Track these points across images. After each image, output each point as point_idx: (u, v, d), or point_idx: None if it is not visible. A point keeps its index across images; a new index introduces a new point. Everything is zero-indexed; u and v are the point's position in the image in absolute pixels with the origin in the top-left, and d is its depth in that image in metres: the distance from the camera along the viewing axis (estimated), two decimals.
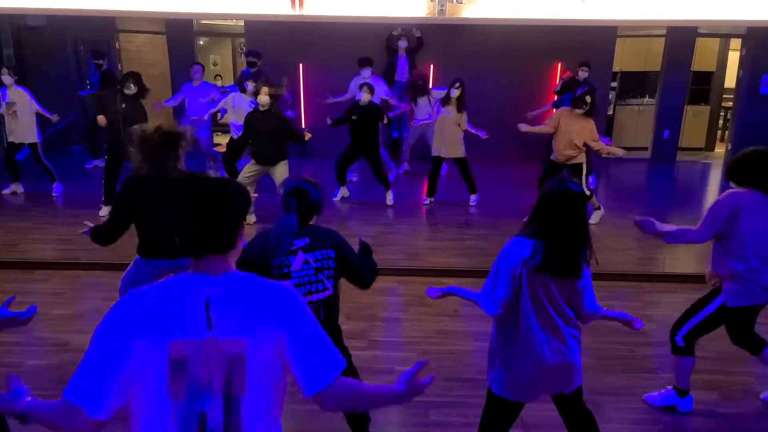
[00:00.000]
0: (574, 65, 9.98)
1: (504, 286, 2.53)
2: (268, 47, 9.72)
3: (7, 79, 7.60)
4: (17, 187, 8.05)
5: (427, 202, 7.81)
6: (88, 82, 7.66)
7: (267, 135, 6.47)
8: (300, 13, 7.94)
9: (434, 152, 7.71)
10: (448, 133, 7.51)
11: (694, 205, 7.65)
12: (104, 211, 7.02)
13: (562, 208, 2.49)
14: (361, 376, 4.07)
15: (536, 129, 6.98)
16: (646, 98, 11.44)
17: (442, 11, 7.94)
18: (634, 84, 11.45)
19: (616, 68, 10.88)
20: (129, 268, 3.61)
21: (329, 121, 7.57)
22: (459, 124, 7.51)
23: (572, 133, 6.43)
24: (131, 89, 6.78)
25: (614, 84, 11.26)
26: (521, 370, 2.60)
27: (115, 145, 6.77)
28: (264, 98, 6.46)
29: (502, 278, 2.54)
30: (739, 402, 3.69)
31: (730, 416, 3.27)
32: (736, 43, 11.09)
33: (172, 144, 3.35)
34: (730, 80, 11.56)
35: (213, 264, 1.68)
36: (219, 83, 12.56)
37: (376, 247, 3.51)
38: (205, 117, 8.06)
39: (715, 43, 11.61)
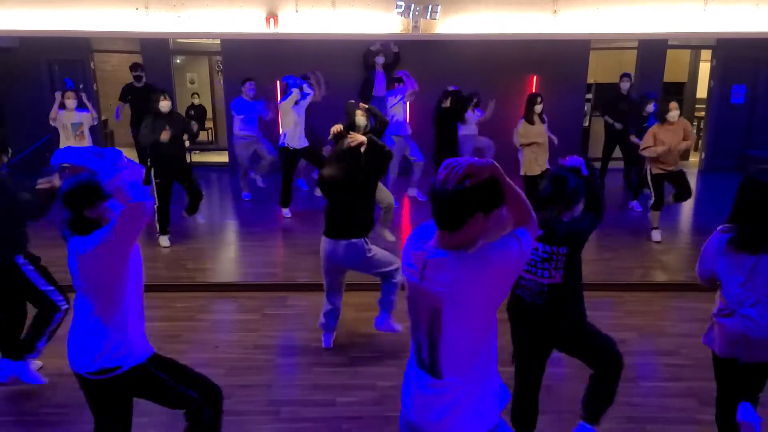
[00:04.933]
0: (549, 78, 10.12)
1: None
2: (245, 65, 9.73)
3: (71, 103, 7.51)
4: None
5: None
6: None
7: None
8: (275, 31, 7.95)
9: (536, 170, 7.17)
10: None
11: (669, 212, 7.73)
12: (165, 241, 6.80)
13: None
14: (342, 392, 4.06)
15: (657, 149, 6.78)
16: None
17: (416, 27, 7.99)
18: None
19: (590, 80, 11.04)
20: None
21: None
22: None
23: (677, 139, 6.68)
24: (167, 107, 6.56)
25: (589, 96, 11.42)
26: None
27: (167, 169, 6.64)
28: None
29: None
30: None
31: (709, 423, 3.29)
32: (706, 54, 11.31)
33: None
34: (702, 90, 11.77)
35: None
36: (196, 101, 12.53)
37: None
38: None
39: (685, 54, 11.83)
